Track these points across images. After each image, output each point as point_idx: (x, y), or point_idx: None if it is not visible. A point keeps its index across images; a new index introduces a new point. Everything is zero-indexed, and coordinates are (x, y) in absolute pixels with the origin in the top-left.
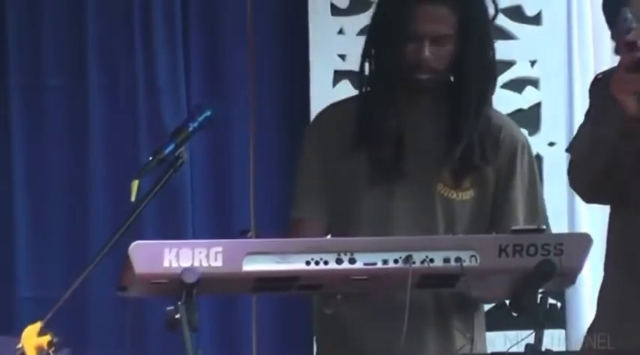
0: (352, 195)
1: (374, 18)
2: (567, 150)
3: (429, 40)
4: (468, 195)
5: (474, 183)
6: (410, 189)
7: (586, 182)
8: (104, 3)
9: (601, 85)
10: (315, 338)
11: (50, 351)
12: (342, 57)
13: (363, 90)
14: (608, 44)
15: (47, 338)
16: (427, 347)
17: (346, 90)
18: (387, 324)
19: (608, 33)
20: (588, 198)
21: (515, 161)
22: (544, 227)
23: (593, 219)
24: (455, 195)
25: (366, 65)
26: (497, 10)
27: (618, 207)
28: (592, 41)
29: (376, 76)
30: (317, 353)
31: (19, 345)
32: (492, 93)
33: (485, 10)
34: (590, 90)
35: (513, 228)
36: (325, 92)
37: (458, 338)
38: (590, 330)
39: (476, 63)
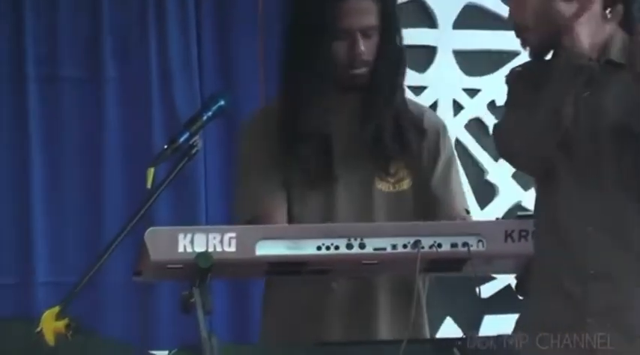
0: (294, 198)
1: (295, 16)
2: (494, 132)
3: (360, 34)
4: (405, 184)
5: (408, 172)
6: (348, 190)
7: (519, 154)
8: None
9: (521, 77)
10: (263, 316)
11: (68, 334)
12: None
13: (284, 92)
14: None
15: (65, 322)
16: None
17: None
18: (340, 312)
19: None
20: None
21: (439, 142)
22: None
23: None
24: (392, 187)
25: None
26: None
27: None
28: None
29: (303, 76)
30: (261, 333)
31: (38, 329)
32: (404, 80)
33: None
34: (509, 82)
35: (518, 213)
36: None
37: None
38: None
39: (393, 50)
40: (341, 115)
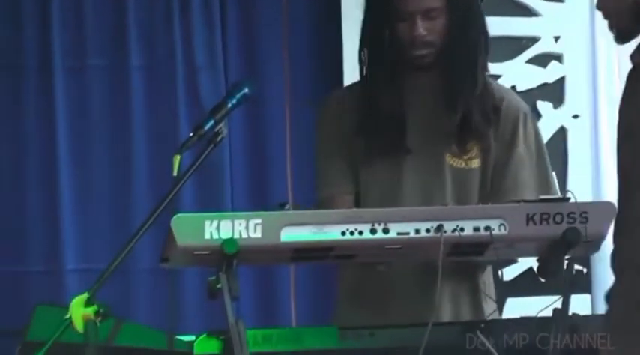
0: (364, 170)
1: (366, 3)
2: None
3: (420, 16)
4: (475, 163)
5: (479, 152)
6: (418, 162)
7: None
8: None
9: None
10: (337, 300)
11: (97, 321)
12: None
13: (364, 73)
14: None
15: (93, 308)
16: (442, 313)
17: None
18: (405, 291)
19: None
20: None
21: (517, 130)
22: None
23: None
24: (463, 164)
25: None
26: None
27: None
28: None
29: (374, 58)
30: (335, 314)
31: (67, 315)
32: (484, 62)
33: None
34: None
35: (540, 197)
36: (358, 69)
37: (465, 302)
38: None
39: (463, 32)
40: (414, 94)
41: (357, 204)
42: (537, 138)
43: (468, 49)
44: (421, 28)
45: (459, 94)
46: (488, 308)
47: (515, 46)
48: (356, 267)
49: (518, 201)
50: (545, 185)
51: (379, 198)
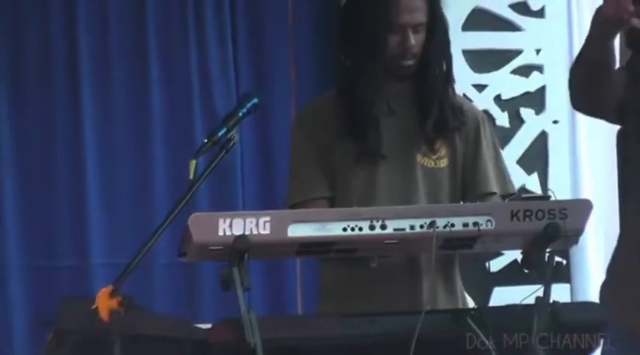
0: (340, 174)
1: (349, 13)
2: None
3: (411, 29)
4: (444, 162)
5: (447, 152)
6: (392, 164)
7: (579, 88)
8: (162, 4)
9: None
10: (320, 294)
11: (121, 311)
12: None
13: (343, 77)
14: None
15: (118, 299)
16: (420, 300)
17: None
18: (385, 285)
19: None
20: (585, 107)
21: (479, 131)
22: (514, 191)
23: (595, 188)
24: (433, 163)
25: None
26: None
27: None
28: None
29: (360, 64)
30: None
31: (94, 306)
32: (449, 71)
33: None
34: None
35: (523, 195)
36: None
37: (441, 290)
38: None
39: (439, 44)
40: (392, 100)
41: (332, 207)
42: (494, 139)
43: (445, 61)
44: (412, 40)
45: (435, 101)
46: (459, 297)
47: (499, 58)
48: (339, 265)
49: (504, 198)
50: (504, 178)
51: (356, 198)
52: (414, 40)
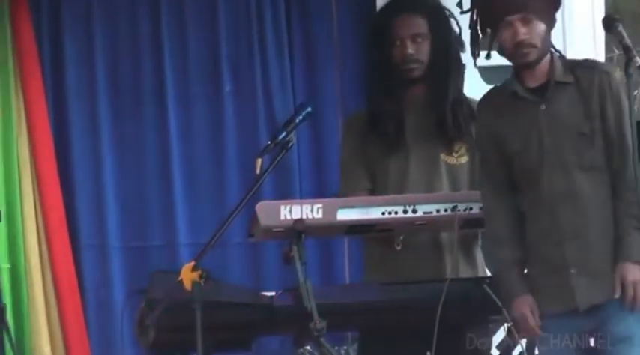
0: (378, 164)
1: (368, 31)
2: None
3: (409, 40)
4: (464, 159)
5: (466, 150)
6: (419, 160)
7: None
8: (232, 29)
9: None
10: (365, 266)
11: (201, 282)
12: None
13: (368, 89)
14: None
15: (198, 272)
16: (444, 271)
17: None
18: (421, 258)
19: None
20: None
21: None
22: None
23: None
24: (454, 160)
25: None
26: (459, 27)
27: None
28: (581, 52)
29: (376, 74)
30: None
31: (179, 278)
32: (460, 80)
33: (448, 18)
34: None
35: None
36: None
37: (462, 263)
38: None
39: (442, 51)
40: (410, 103)
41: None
42: None
43: (448, 65)
44: (410, 49)
45: (440, 100)
46: (479, 269)
47: (506, 73)
48: (378, 245)
49: None
50: None
51: (391, 189)
52: (412, 49)
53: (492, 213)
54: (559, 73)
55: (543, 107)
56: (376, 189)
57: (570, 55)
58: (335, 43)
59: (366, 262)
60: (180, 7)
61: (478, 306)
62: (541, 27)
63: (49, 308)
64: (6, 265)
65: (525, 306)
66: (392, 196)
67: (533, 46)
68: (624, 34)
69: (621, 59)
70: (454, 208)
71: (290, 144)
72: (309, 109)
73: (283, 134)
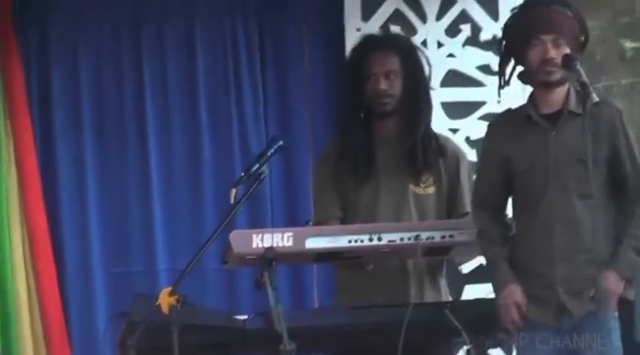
0: (350, 193)
1: (343, 69)
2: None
3: (382, 76)
4: (430, 190)
5: (433, 181)
6: (389, 190)
7: None
8: (210, 66)
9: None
10: (336, 290)
11: (178, 306)
12: None
13: (341, 121)
14: None
15: (176, 297)
16: (409, 295)
17: None
18: (388, 282)
19: None
20: None
21: (459, 166)
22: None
23: None
24: (422, 191)
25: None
26: (429, 64)
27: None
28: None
29: (349, 108)
30: (335, 300)
31: (157, 302)
32: (429, 114)
33: (419, 56)
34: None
35: None
36: None
37: (428, 289)
38: None
39: (413, 87)
40: (381, 136)
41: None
42: (470, 171)
43: (419, 100)
44: (383, 85)
45: (410, 133)
46: (443, 295)
47: (469, 107)
48: (348, 269)
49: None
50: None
51: (362, 218)
52: (385, 85)
53: (486, 227)
54: (573, 103)
55: (554, 133)
56: (347, 217)
57: (522, 89)
58: (306, 82)
59: (337, 286)
60: (162, 48)
61: (440, 330)
62: (568, 53)
63: (35, 330)
64: None
65: (510, 298)
66: (358, 225)
67: (558, 67)
68: (582, 71)
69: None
70: (417, 237)
71: (262, 176)
72: (281, 143)
73: (256, 166)
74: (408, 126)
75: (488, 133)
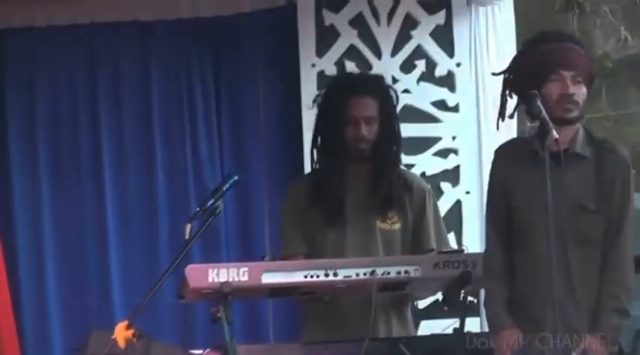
0: (317, 233)
1: (320, 108)
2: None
3: (363, 121)
4: (396, 226)
5: (399, 218)
6: (356, 227)
7: None
8: (166, 106)
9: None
10: (303, 323)
11: (134, 340)
12: None
13: (317, 165)
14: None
15: (132, 331)
16: (379, 330)
17: None
18: (354, 317)
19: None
20: None
21: (425, 202)
22: (450, 247)
23: None
24: (388, 227)
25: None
26: (397, 97)
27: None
28: (494, 122)
29: (326, 150)
30: (302, 333)
31: (113, 337)
32: (400, 155)
33: (393, 97)
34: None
35: (443, 250)
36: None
37: (395, 324)
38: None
39: (390, 135)
40: (354, 179)
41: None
42: (436, 208)
43: (392, 146)
44: (364, 130)
45: (384, 177)
46: (410, 328)
47: (424, 143)
48: (316, 301)
49: (430, 252)
50: (443, 239)
51: (329, 254)
52: (365, 130)
53: (493, 249)
54: (580, 145)
55: (557, 174)
56: (314, 256)
57: (482, 124)
58: (262, 120)
59: (304, 320)
60: (117, 87)
61: None
62: (584, 91)
63: None
64: None
65: (506, 343)
66: (314, 260)
67: (577, 105)
68: (542, 107)
69: (534, 130)
70: (372, 272)
71: (218, 211)
72: (236, 178)
73: (212, 201)
74: (380, 169)
75: (495, 159)
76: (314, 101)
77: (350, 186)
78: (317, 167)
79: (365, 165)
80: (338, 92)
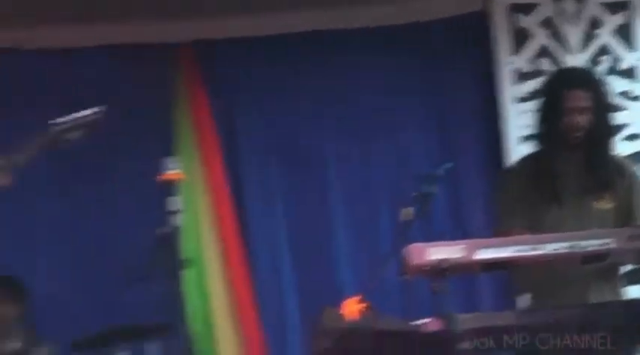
0: (536, 212)
1: (539, 100)
2: None
3: (577, 112)
4: (609, 205)
5: (611, 198)
6: (573, 207)
7: None
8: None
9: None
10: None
11: (365, 313)
12: None
13: (537, 147)
14: None
15: (363, 305)
16: (589, 297)
17: None
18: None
19: None
20: None
21: (632, 183)
22: None
23: None
24: (602, 206)
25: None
26: (612, 93)
27: None
28: None
29: (547, 137)
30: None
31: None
32: (612, 141)
33: (606, 90)
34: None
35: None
36: None
37: (607, 291)
38: None
39: (602, 123)
40: (568, 163)
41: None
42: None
43: (605, 134)
44: (578, 119)
45: (599, 162)
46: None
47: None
48: (537, 272)
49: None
50: None
51: (547, 231)
52: (579, 120)
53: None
54: None
55: None
56: (532, 231)
57: None
58: (465, 121)
59: (517, 291)
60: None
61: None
62: None
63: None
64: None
65: None
66: (523, 236)
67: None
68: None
69: None
70: (573, 246)
71: (432, 195)
72: (450, 165)
73: (426, 186)
74: (595, 155)
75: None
76: (533, 95)
77: (566, 171)
78: (533, 152)
79: (579, 151)
80: (555, 86)
